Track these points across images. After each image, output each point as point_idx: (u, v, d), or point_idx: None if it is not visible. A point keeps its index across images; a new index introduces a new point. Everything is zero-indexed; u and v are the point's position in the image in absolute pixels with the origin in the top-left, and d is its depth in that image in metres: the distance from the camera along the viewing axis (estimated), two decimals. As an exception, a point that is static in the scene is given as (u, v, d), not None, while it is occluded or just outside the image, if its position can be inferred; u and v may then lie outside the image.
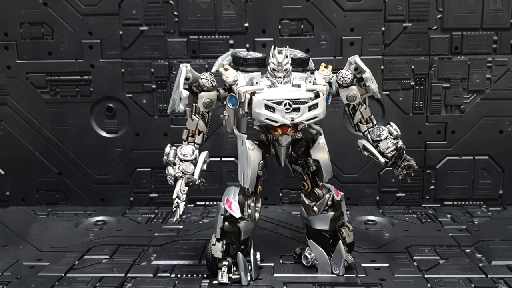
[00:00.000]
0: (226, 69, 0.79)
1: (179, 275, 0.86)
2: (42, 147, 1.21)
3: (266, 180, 1.17)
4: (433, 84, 1.16)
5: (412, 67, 1.16)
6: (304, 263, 0.87)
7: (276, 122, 0.75)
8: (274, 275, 0.85)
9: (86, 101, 1.19)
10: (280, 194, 1.22)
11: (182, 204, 0.73)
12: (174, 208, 0.73)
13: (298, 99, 0.76)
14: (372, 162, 1.19)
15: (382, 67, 1.16)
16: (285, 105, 0.75)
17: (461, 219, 1.11)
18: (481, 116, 1.18)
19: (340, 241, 0.84)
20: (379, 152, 0.82)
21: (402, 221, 1.10)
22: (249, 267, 0.83)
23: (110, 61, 1.17)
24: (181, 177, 0.75)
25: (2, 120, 1.21)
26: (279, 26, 1.15)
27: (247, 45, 1.15)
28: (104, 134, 1.21)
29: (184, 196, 0.74)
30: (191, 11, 1.15)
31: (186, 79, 0.78)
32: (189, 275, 0.85)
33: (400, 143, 0.82)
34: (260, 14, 1.15)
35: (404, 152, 0.83)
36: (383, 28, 1.15)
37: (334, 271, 0.84)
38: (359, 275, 0.84)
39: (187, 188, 0.74)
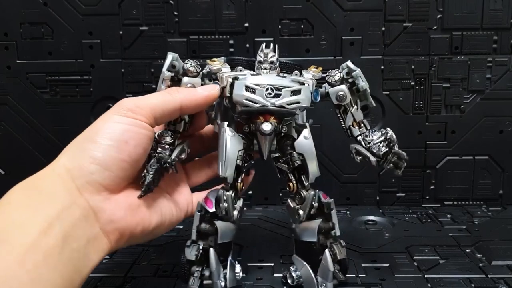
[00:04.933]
0: (213, 61, 0.79)
1: (179, 275, 0.85)
2: (42, 147, 1.21)
3: (266, 180, 1.17)
4: (433, 84, 1.17)
5: (412, 67, 1.16)
6: (289, 282, 0.79)
7: (256, 103, 0.73)
8: (274, 275, 0.85)
9: (86, 101, 1.19)
10: (280, 194, 1.22)
11: (148, 177, 0.70)
12: (142, 180, 0.70)
13: (281, 85, 0.74)
14: (372, 162, 1.20)
15: (382, 67, 1.16)
16: (267, 89, 0.73)
17: (461, 219, 1.11)
18: (481, 116, 1.18)
19: (327, 250, 0.76)
20: (371, 152, 0.81)
21: (402, 221, 1.10)
22: (225, 273, 0.75)
23: (110, 61, 1.17)
24: (154, 155, 0.73)
25: (2, 120, 1.21)
26: (279, 26, 1.15)
27: (247, 45, 1.15)
28: (104, 134, 1.21)
29: (153, 169, 0.71)
30: (191, 11, 1.15)
31: (173, 66, 0.78)
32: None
33: (390, 133, 0.81)
34: (260, 14, 1.15)
35: (395, 145, 0.81)
36: (383, 28, 1.15)
37: None
38: (359, 275, 0.84)
39: (158, 164, 0.72)
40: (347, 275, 0.82)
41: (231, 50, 1.15)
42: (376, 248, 0.96)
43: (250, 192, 1.21)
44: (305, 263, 0.77)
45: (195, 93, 0.76)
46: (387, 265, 0.88)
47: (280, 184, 1.22)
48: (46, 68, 1.18)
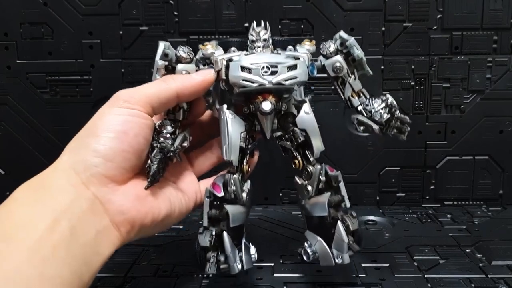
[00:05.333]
0: (205, 45, 0.78)
1: (179, 275, 0.86)
2: (42, 147, 1.21)
3: (266, 180, 1.18)
4: (433, 84, 1.17)
5: (412, 67, 1.16)
6: (305, 258, 0.78)
7: (253, 82, 0.72)
8: (274, 275, 0.85)
9: (86, 101, 1.19)
10: (280, 194, 1.22)
11: (153, 167, 0.70)
12: (147, 170, 0.71)
13: (276, 62, 0.74)
14: (372, 162, 1.20)
15: (382, 67, 1.16)
16: (262, 68, 0.73)
17: (461, 219, 1.11)
18: (481, 116, 1.18)
19: (339, 223, 0.75)
20: (373, 121, 0.80)
21: (402, 221, 1.10)
22: (240, 256, 0.75)
23: (110, 61, 1.17)
24: (156, 146, 0.73)
25: (2, 120, 1.21)
26: (279, 26, 1.15)
27: (247, 45, 1.15)
28: (104, 134, 1.21)
29: (157, 159, 0.71)
30: (191, 11, 1.15)
31: (165, 55, 0.77)
32: (189, 275, 0.85)
33: (390, 99, 0.80)
34: (260, 14, 1.15)
35: (397, 110, 0.80)
36: (383, 28, 1.15)
37: (337, 260, 0.75)
38: (359, 275, 0.84)
39: (161, 154, 0.72)
40: (349, 275, 0.83)
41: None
42: (376, 248, 0.96)
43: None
44: (319, 237, 0.77)
45: (190, 79, 0.75)
46: (387, 265, 0.88)
47: (280, 184, 1.22)
48: (46, 68, 1.18)
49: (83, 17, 1.16)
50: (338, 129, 1.18)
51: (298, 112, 0.79)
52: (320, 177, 0.78)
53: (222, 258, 0.74)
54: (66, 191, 0.64)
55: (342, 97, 0.83)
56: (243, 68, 0.73)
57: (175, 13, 1.15)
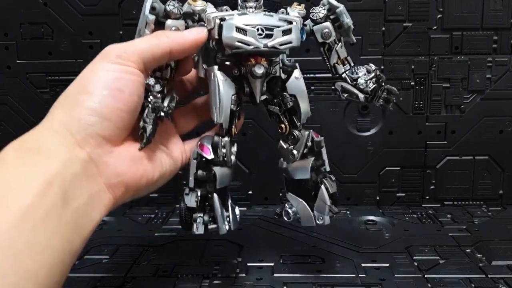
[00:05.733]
0: (195, 1, 0.76)
1: (179, 275, 0.86)
2: (42, 147, 1.21)
3: (266, 180, 1.17)
4: (433, 84, 1.16)
5: (412, 67, 1.16)
6: (286, 218, 0.81)
7: (249, 45, 0.71)
8: (274, 275, 0.85)
9: (86, 101, 1.19)
10: (280, 194, 1.22)
11: (149, 127, 0.68)
12: (140, 134, 0.68)
13: (271, 25, 0.73)
14: (372, 162, 1.20)
15: (382, 67, 1.16)
16: (257, 30, 0.71)
17: (461, 219, 1.11)
18: (481, 116, 1.18)
19: (323, 186, 0.79)
20: (358, 89, 0.80)
21: (402, 221, 1.10)
22: (227, 216, 0.76)
23: (110, 61, 1.17)
24: (147, 105, 0.70)
25: (2, 120, 1.21)
26: (279, 26, 1.15)
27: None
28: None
29: (151, 119, 0.69)
30: (191, 11, 1.14)
31: (153, 8, 0.73)
32: (189, 275, 0.85)
33: (375, 68, 0.81)
34: (260, 14, 1.14)
35: (383, 82, 0.81)
36: (383, 28, 1.15)
37: (318, 221, 0.79)
38: (359, 275, 0.84)
39: (153, 114, 0.70)
40: (347, 275, 0.84)
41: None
42: (376, 248, 0.96)
43: (250, 192, 1.21)
44: (301, 200, 0.80)
45: (183, 36, 0.73)
46: (387, 265, 0.88)
47: (280, 184, 1.22)
48: (46, 68, 1.18)
49: (83, 17, 1.16)
50: (338, 129, 1.18)
51: (287, 77, 0.78)
52: (307, 142, 0.79)
53: (206, 218, 0.75)
54: (59, 153, 0.60)
55: (327, 63, 0.83)
56: (238, 29, 0.71)
57: (175, 13, 1.15)
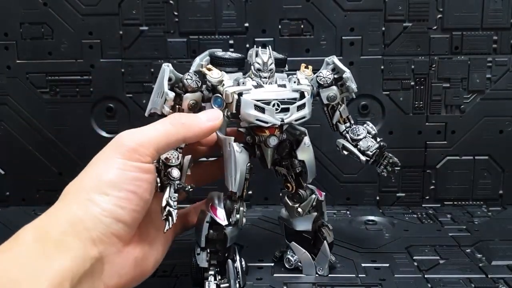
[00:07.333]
0: (209, 69, 0.77)
1: (179, 275, 0.85)
2: (42, 147, 1.21)
3: (266, 180, 1.17)
4: (433, 84, 1.16)
5: (412, 67, 1.16)
6: (287, 265, 0.87)
7: (267, 123, 0.74)
8: (274, 275, 0.85)
9: (86, 101, 1.19)
10: (280, 194, 1.22)
11: (174, 213, 0.68)
12: (165, 217, 0.68)
13: (286, 99, 0.75)
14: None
15: (382, 67, 1.16)
16: (273, 105, 0.74)
17: (461, 219, 1.11)
18: (481, 116, 1.18)
19: (325, 242, 0.84)
20: (360, 150, 0.83)
21: (402, 221, 1.10)
22: (237, 274, 0.80)
23: (110, 61, 1.17)
24: (168, 183, 0.69)
25: (2, 120, 1.21)
26: (279, 26, 1.15)
27: (247, 45, 1.15)
28: (104, 134, 1.21)
29: (175, 203, 0.68)
30: (191, 11, 1.15)
31: (169, 79, 0.75)
32: (189, 275, 0.85)
33: (374, 132, 0.84)
34: (260, 14, 1.15)
35: (385, 149, 0.84)
36: (383, 28, 1.15)
37: (318, 272, 0.84)
38: (359, 275, 0.84)
39: (176, 195, 0.69)
40: (347, 275, 0.84)
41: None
42: (376, 248, 0.96)
43: (250, 192, 1.21)
44: (304, 250, 0.84)
45: (199, 123, 0.72)
46: (387, 265, 0.88)
47: (280, 184, 1.21)
48: (46, 68, 1.18)
49: (83, 17, 1.16)
50: (338, 129, 1.18)
51: (296, 141, 0.82)
52: (313, 203, 0.84)
53: (217, 278, 0.79)
54: (74, 247, 0.59)
55: (330, 122, 0.87)
56: (256, 107, 0.73)
57: (175, 13, 1.15)
